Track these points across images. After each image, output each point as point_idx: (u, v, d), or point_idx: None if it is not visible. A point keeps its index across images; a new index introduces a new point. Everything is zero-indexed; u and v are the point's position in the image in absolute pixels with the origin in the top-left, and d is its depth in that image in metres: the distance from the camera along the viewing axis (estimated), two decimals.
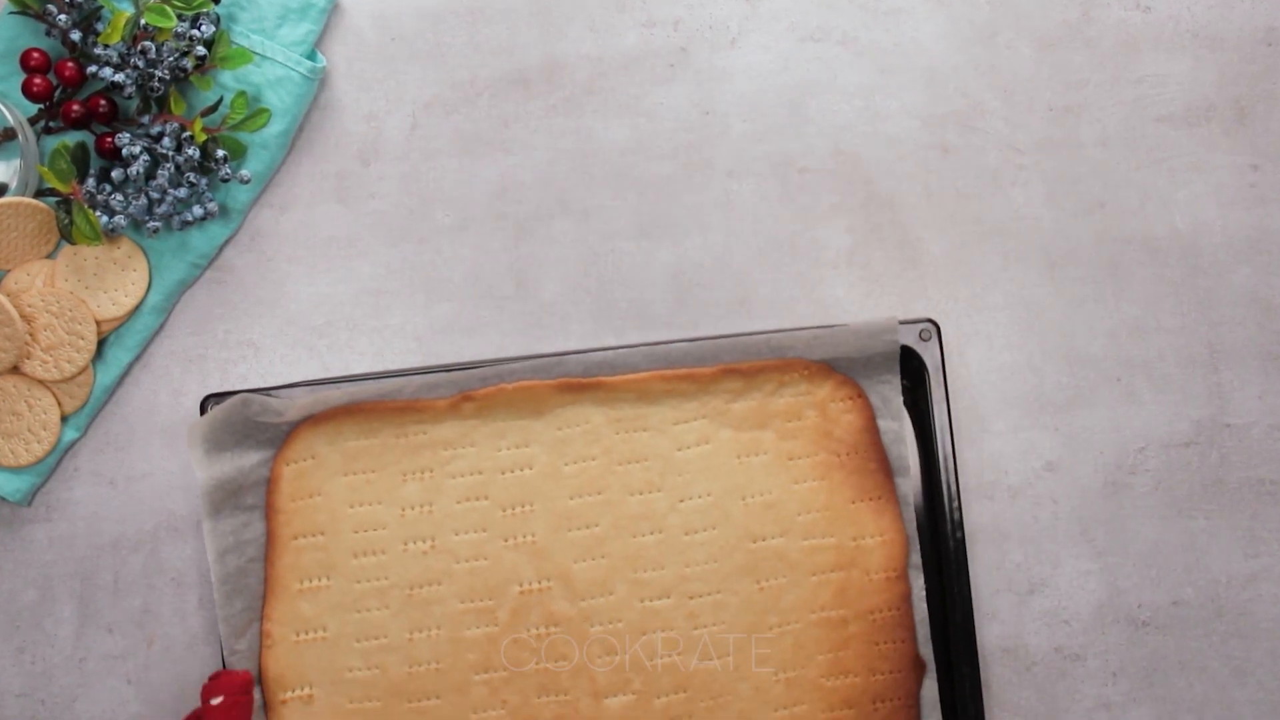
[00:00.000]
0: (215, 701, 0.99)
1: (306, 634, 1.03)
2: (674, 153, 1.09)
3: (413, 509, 1.04)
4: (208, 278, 1.08)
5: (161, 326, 1.08)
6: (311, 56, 1.07)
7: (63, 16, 1.02)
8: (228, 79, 1.06)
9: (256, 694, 1.02)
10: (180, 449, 1.07)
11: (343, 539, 1.04)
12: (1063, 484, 1.08)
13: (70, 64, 1.03)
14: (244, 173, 1.04)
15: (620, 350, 1.04)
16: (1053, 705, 1.07)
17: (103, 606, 1.07)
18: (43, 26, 1.04)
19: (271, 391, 1.04)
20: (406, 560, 1.03)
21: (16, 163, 1.03)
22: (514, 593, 1.03)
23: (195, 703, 1.06)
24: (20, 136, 1.02)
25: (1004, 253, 1.08)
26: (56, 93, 1.04)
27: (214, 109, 1.04)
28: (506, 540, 1.04)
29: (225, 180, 1.04)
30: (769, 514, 1.04)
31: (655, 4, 1.09)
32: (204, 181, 1.04)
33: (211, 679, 1.00)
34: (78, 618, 1.06)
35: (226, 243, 1.08)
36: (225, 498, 1.02)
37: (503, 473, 1.04)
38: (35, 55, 1.03)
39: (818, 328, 1.05)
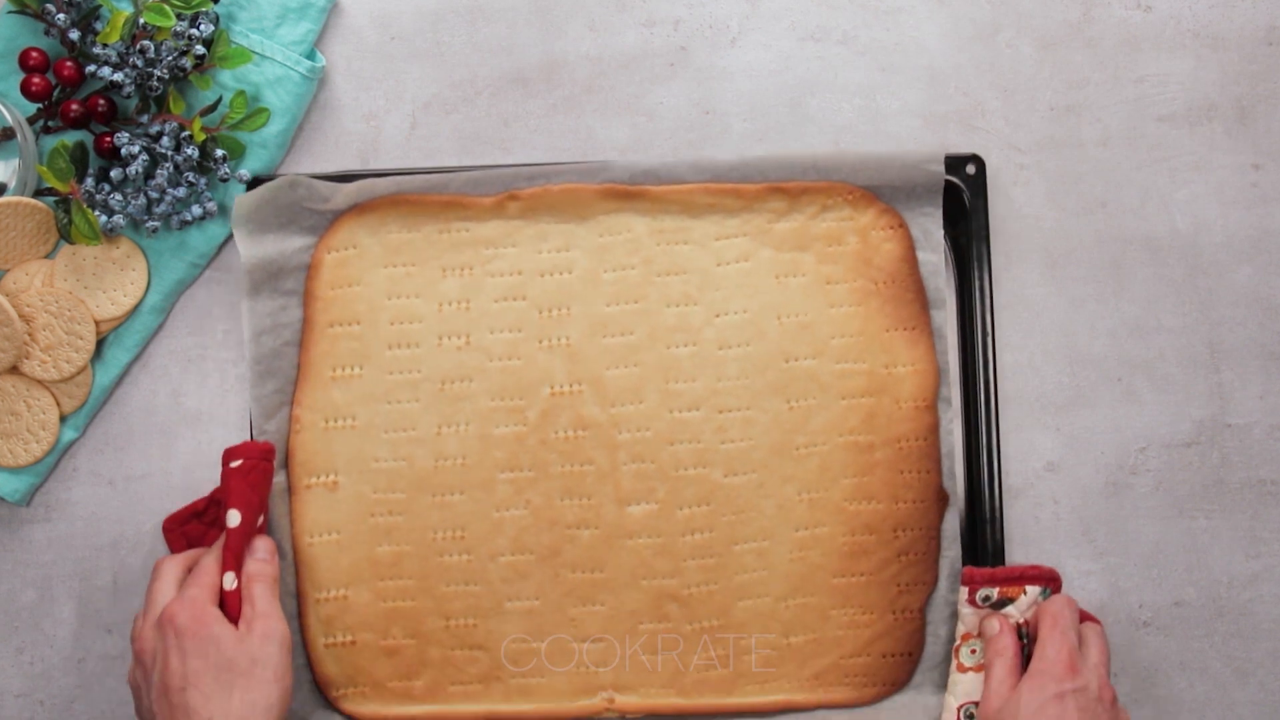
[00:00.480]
0: (235, 464, 0.98)
1: (336, 421, 1.03)
2: (674, 152, 1.09)
3: (450, 304, 1.04)
4: (207, 277, 1.08)
5: (160, 326, 1.07)
6: (311, 56, 1.07)
7: (61, 16, 1.01)
8: (226, 78, 1.05)
9: (281, 477, 1.03)
10: (179, 450, 1.07)
11: (379, 329, 1.04)
12: (1063, 484, 1.07)
13: (69, 63, 1.02)
14: (243, 172, 1.04)
15: (667, 160, 1.05)
16: None
17: (102, 607, 1.06)
18: (41, 26, 1.04)
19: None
20: (440, 355, 1.04)
21: (15, 162, 1.02)
22: (545, 394, 1.04)
23: None
24: (19, 136, 1.01)
25: (1005, 252, 1.08)
26: (55, 92, 1.03)
27: (213, 108, 1.04)
28: (541, 342, 1.04)
29: (224, 180, 1.04)
30: (803, 335, 1.04)
31: (655, 3, 1.09)
32: (203, 181, 1.04)
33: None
34: (77, 618, 1.06)
35: (226, 242, 1.07)
36: (266, 278, 1.03)
37: (542, 275, 1.04)
38: (34, 54, 1.03)
39: (865, 151, 1.05)
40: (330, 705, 1.04)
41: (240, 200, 1.01)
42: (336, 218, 1.04)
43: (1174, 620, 1.07)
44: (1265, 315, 1.08)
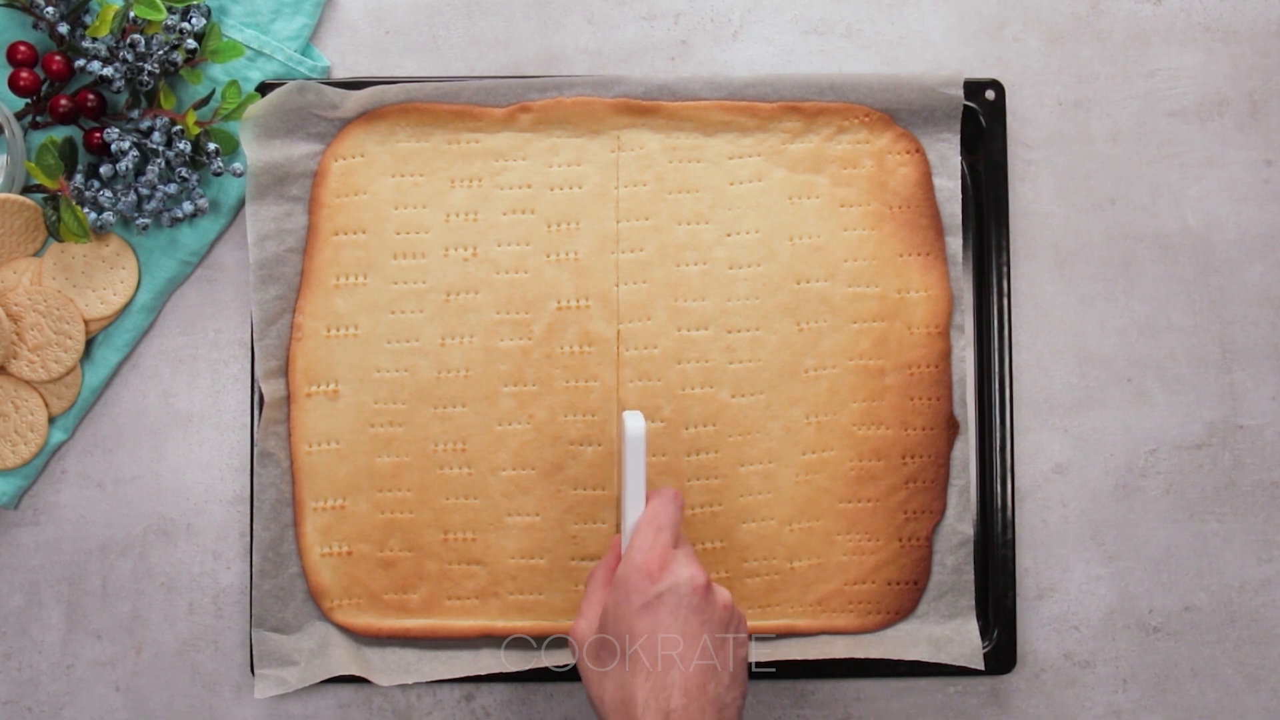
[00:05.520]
0: None
1: (338, 330, 1.03)
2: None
3: (458, 216, 1.03)
4: (198, 276, 1.06)
5: (151, 326, 1.06)
6: (307, 51, 1.06)
7: (50, 9, 1.00)
8: (218, 72, 1.04)
9: (281, 383, 1.02)
10: (169, 452, 1.05)
11: (384, 239, 1.03)
12: (1072, 487, 1.06)
13: (58, 57, 1.01)
14: (236, 165, 1.02)
15: (682, 76, 1.04)
16: (1062, 713, 1.05)
17: (91, 612, 1.05)
18: (29, 19, 1.02)
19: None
20: (446, 266, 1.03)
21: (3, 158, 1.01)
22: (551, 308, 1.03)
23: (185, 713, 1.04)
24: (6, 131, 1.00)
25: (1012, 250, 1.06)
26: (44, 87, 1.02)
27: (206, 101, 1.02)
28: (549, 256, 1.03)
29: (217, 174, 1.02)
30: (816, 257, 1.04)
31: None
32: (195, 177, 1.03)
33: None
34: (65, 623, 1.05)
35: (218, 239, 1.06)
36: (271, 183, 1.02)
37: (552, 189, 1.04)
38: (22, 49, 1.01)
39: (883, 74, 1.04)
40: (324, 616, 1.03)
41: (249, 105, 1.00)
42: (345, 125, 1.03)
43: (1185, 625, 1.06)
44: (1278, 314, 1.07)
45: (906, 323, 1.03)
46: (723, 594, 0.86)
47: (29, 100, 1.02)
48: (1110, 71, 1.08)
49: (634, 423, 0.90)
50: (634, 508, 0.90)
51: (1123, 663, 1.06)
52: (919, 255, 1.04)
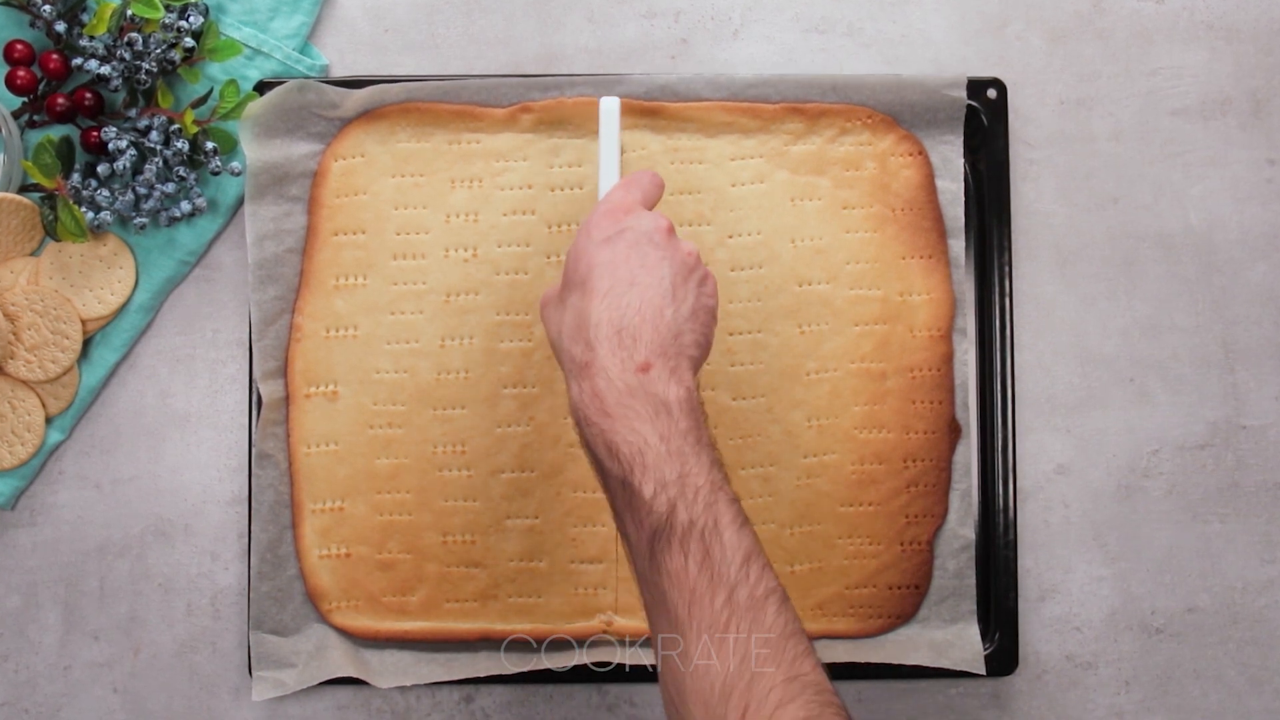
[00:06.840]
0: None
1: (337, 331, 1.02)
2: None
3: (458, 216, 1.03)
4: (196, 275, 1.06)
5: (149, 326, 1.05)
6: (306, 50, 1.05)
7: (47, 7, 1.00)
8: (216, 71, 1.04)
9: (280, 384, 1.02)
10: (167, 452, 1.05)
11: (384, 239, 1.02)
12: (1074, 487, 1.05)
13: (55, 56, 1.00)
14: (234, 164, 1.02)
15: (684, 76, 1.03)
16: (1064, 714, 1.05)
17: (88, 613, 1.04)
18: (26, 18, 1.02)
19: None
20: (447, 267, 1.02)
21: (0, 158, 1.00)
22: None
23: (183, 714, 1.04)
24: (3, 130, 0.99)
25: (1014, 249, 1.06)
26: (41, 86, 1.02)
27: (204, 100, 1.02)
28: (550, 257, 1.03)
29: (215, 173, 1.02)
30: (818, 259, 1.03)
31: None
32: (193, 176, 1.02)
33: None
34: (62, 625, 1.04)
35: (216, 239, 1.05)
36: (270, 183, 1.01)
37: (553, 190, 1.03)
38: (19, 47, 1.01)
39: (886, 75, 1.04)
40: (322, 618, 1.02)
41: (249, 105, 1.00)
42: (345, 125, 1.03)
43: (1187, 627, 1.05)
44: None
45: (908, 326, 1.03)
46: (689, 245, 0.86)
47: (26, 99, 1.01)
48: (1112, 70, 1.07)
49: (608, 101, 0.91)
50: (608, 186, 0.90)
51: (1125, 664, 1.05)
52: (921, 258, 1.03)
